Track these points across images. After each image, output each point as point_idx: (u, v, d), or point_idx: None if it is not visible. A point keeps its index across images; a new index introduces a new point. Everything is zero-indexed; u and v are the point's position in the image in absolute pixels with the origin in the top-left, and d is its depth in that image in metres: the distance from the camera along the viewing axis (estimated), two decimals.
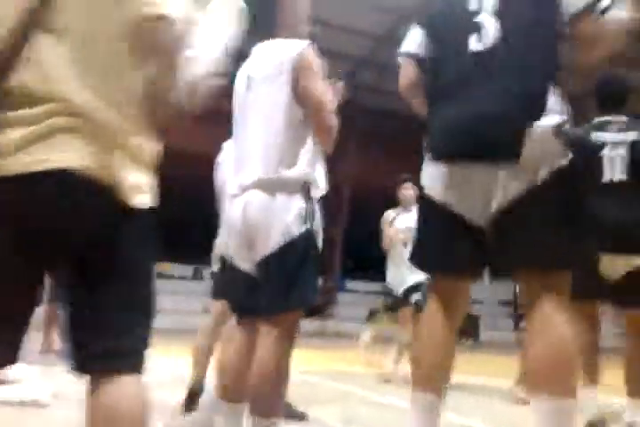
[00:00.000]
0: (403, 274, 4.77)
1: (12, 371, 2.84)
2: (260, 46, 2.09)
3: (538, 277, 1.59)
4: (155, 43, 1.16)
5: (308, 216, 1.91)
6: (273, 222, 1.89)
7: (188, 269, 14.30)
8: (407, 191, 4.92)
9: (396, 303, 4.89)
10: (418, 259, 1.87)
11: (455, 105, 1.66)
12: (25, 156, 1.01)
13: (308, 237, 1.91)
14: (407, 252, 4.99)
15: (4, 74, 1.02)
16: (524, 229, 1.59)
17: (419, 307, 4.82)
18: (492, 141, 1.58)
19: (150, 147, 1.19)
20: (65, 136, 1.04)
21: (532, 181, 1.57)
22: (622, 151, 2.75)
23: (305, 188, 1.94)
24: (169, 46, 1.18)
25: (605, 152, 2.76)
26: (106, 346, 1.11)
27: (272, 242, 1.88)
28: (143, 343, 1.16)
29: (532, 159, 1.56)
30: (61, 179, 1.02)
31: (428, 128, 1.77)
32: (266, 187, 1.92)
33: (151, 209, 1.17)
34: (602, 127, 2.82)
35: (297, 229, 1.88)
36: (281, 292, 1.87)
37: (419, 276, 4.80)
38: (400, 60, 1.93)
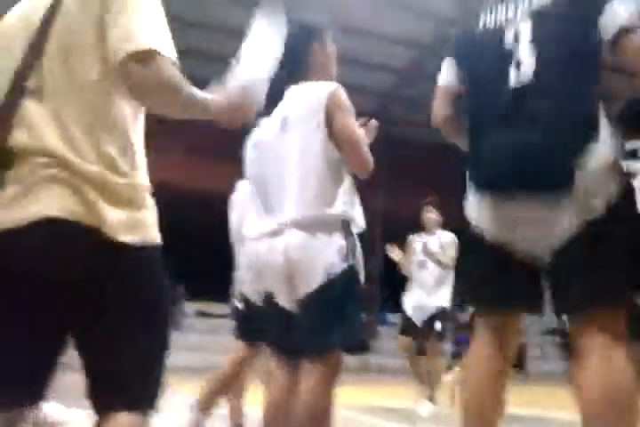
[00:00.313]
0: (420, 298, 4.86)
1: (60, 412, 2.86)
2: (292, 89, 2.14)
3: (597, 317, 1.53)
4: (145, 80, 1.14)
5: (349, 253, 1.93)
6: (315, 261, 1.91)
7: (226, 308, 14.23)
8: (430, 215, 4.99)
9: (415, 331, 4.89)
10: (467, 295, 1.83)
11: (498, 137, 1.62)
12: (17, 209, 1.07)
13: (351, 273, 1.93)
14: (425, 275, 4.94)
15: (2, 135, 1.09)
16: (586, 268, 1.53)
17: (440, 335, 4.80)
18: (542, 171, 1.54)
19: (138, 185, 1.21)
20: (52, 186, 1.09)
21: (587, 215, 1.51)
22: None
23: (344, 225, 1.97)
24: (163, 82, 1.15)
25: (636, 183, 2.69)
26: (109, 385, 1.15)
27: (315, 280, 1.90)
28: (146, 383, 1.19)
29: (583, 192, 1.51)
30: (51, 228, 1.07)
31: (470, 160, 1.73)
32: (306, 226, 1.94)
33: (151, 245, 1.19)
34: (635, 154, 2.76)
35: (339, 267, 1.91)
36: (325, 330, 1.88)
37: (438, 300, 4.80)
38: (437, 92, 1.92)
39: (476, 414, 1.64)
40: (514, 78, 1.62)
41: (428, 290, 4.92)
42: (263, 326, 2.22)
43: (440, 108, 1.91)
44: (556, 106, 1.56)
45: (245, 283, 2.86)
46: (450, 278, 4.70)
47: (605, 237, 1.52)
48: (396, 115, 12.01)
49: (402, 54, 10.65)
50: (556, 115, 1.55)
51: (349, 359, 2.30)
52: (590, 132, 1.53)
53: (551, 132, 1.53)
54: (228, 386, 2.94)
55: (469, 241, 1.78)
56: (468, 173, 1.74)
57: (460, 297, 1.88)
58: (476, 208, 1.69)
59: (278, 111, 2.13)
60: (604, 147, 1.54)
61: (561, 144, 1.52)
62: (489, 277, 1.68)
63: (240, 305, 2.97)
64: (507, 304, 1.68)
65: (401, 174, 12.81)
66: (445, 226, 5.02)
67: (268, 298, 2.07)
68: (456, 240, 4.73)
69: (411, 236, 5.12)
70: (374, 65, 10.86)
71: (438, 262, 4.86)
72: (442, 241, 4.95)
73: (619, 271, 1.53)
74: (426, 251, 4.92)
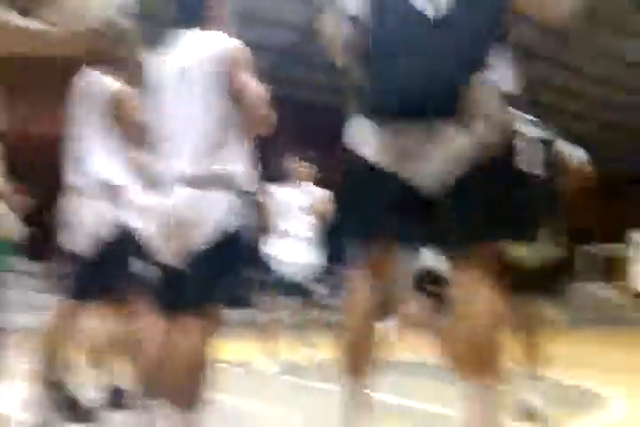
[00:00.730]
0: (290, 253, 4.77)
1: None
2: (188, 35, 2.05)
3: (477, 252, 1.53)
4: None
5: (240, 211, 1.93)
6: (205, 218, 1.89)
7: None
8: (300, 168, 4.98)
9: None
10: (351, 223, 1.70)
11: (397, 64, 1.57)
12: None
13: (241, 232, 1.93)
14: (291, 226, 4.68)
15: None
16: (476, 200, 1.52)
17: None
18: (437, 97, 1.51)
19: None
20: None
21: (480, 143, 1.50)
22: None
23: (237, 183, 1.95)
24: None
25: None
26: None
27: (204, 237, 1.89)
28: None
29: (475, 119, 1.50)
30: None
31: (365, 85, 1.65)
32: (197, 182, 1.92)
33: None
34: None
35: (230, 225, 1.90)
36: (209, 285, 1.89)
37: (309, 256, 4.81)
38: (332, 16, 1.81)
39: (354, 355, 1.65)
40: (420, 9, 1.58)
41: (297, 244, 4.88)
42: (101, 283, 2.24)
43: (335, 31, 1.79)
44: (455, 40, 1.55)
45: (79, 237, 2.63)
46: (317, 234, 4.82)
47: (494, 173, 1.52)
48: (294, 73, 11.91)
49: (300, 11, 10.49)
50: (450, 47, 1.55)
51: (233, 314, 2.31)
52: (479, 62, 1.53)
53: (442, 62, 1.52)
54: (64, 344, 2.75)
55: (353, 170, 1.70)
56: (357, 100, 1.68)
57: (342, 229, 1.76)
58: (365, 137, 1.63)
59: (174, 58, 2.04)
60: (495, 74, 1.53)
61: (449, 72, 1.52)
62: (375, 206, 1.61)
63: (74, 261, 2.77)
64: (390, 232, 1.61)
65: (298, 133, 12.81)
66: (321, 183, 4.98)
67: (144, 252, 2.03)
68: (327, 194, 4.75)
69: (268, 185, 4.91)
70: (273, 22, 10.65)
71: (306, 215, 4.85)
72: (312, 194, 4.95)
73: (509, 207, 1.54)
74: (295, 203, 4.88)
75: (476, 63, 1.53)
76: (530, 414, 2.77)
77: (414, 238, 1.69)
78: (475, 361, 1.46)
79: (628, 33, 11.57)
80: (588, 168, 3.18)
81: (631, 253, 7.60)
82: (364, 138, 1.62)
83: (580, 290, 13.75)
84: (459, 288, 1.54)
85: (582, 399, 3.65)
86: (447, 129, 1.51)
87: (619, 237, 14.99)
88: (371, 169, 1.59)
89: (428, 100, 1.51)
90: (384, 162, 1.57)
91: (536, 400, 2.85)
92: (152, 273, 2.03)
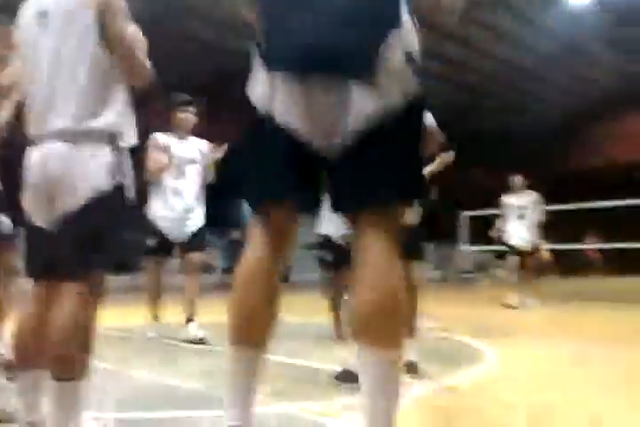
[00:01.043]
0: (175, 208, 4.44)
1: None
2: None
3: (377, 214, 1.47)
4: None
5: (117, 169, 1.81)
6: (78, 176, 1.76)
7: None
8: (189, 116, 4.57)
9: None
10: (244, 185, 1.60)
11: (300, 16, 1.48)
12: None
13: (118, 191, 1.81)
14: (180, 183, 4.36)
15: None
16: (375, 161, 1.45)
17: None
18: (345, 54, 1.43)
19: None
20: None
21: (386, 104, 1.44)
22: None
23: (113, 139, 1.82)
24: None
25: None
26: None
27: (78, 197, 1.76)
28: None
29: (386, 81, 1.44)
30: None
31: (265, 35, 1.57)
32: (68, 138, 1.78)
33: None
34: None
35: (106, 184, 1.78)
36: (87, 250, 1.76)
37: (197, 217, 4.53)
38: None
39: (246, 317, 1.56)
40: None
41: (185, 201, 4.52)
42: None
43: None
44: None
45: None
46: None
47: (396, 135, 1.47)
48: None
49: None
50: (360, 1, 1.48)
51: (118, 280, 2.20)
52: (392, 21, 1.46)
53: (353, 16, 1.45)
54: None
55: (253, 128, 1.59)
56: (259, 51, 1.58)
57: (237, 190, 1.65)
58: (267, 92, 1.53)
59: (35, 1, 1.87)
60: (404, 35, 1.47)
61: (363, 29, 1.44)
62: (270, 167, 1.53)
63: None
64: (284, 197, 1.53)
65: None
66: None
67: (21, 217, 1.88)
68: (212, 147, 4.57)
69: (156, 134, 4.54)
70: None
71: (195, 170, 4.55)
72: (199, 147, 4.63)
73: (407, 169, 1.50)
74: (184, 157, 4.53)
75: (392, 19, 1.46)
76: (409, 368, 2.89)
77: (314, 202, 1.59)
78: (379, 326, 1.40)
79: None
80: (439, 132, 3.25)
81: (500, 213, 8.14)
82: (267, 95, 1.52)
83: (463, 251, 14.65)
84: (360, 252, 1.47)
85: (458, 353, 3.88)
86: (353, 88, 1.43)
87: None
88: (273, 128, 1.51)
89: (336, 58, 1.44)
90: (285, 120, 1.49)
91: (413, 355, 2.99)
92: (26, 236, 1.88)
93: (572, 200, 11.82)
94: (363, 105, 1.43)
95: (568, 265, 16.91)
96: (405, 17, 1.49)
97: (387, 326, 1.40)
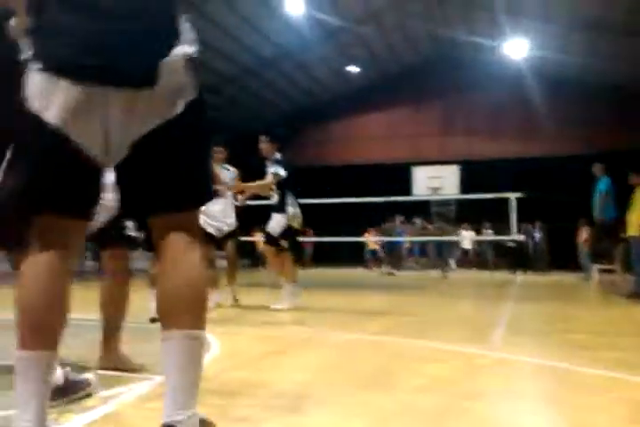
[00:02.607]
0: None
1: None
2: None
3: (171, 217, 1.51)
4: None
5: None
6: None
7: None
8: None
9: None
10: (26, 195, 1.50)
11: (76, 15, 1.40)
12: None
13: None
14: None
15: None
16: (158, 169, 1.47)
17: None
18: (127, 67, 1.39)
19: None
20: None
21: (167, 114, 1.44)
22: None
23: None
24: None
25: None
26: None
27: None
28: None
29: (166, 91, 1.43)
30: None
31: (37, 30, 1.43)
32: None
33: None
34: None
35: None
36: None
37: None
38: None
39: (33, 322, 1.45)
40: None
41: None
42: None
43: None
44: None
45: None
46: None
47: (180, 136, 1.48)
48: None
49: None
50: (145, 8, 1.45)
51: None
52: (174, 30, 1.47)
53: (140, 25, 1.42)
54: None
55: (28, 133, 1.45)
56: (31, 46, 1.44)
57: (19, 199, 1.52)
58: (39, 91, 1.41)
59: None
60: (185, 43, 1.48)
61: (149, 39, 1.42)
62: (48, 177, 1.45)
63: None
64: (69, 208, 1.49)
65: None
66: None
67: None
68: None
69: None
70: None
71: None
72: None
73: (192, 169, 1.52)
74: None
75: (171, 30, 1.47)
76: None
77: (89, 208, 1.54)
78: (187, 314, 1.47)
79: None
80: None
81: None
82: (42, 95, 1.40)
83: None
84: (161, 250, 1.51)
85: None
86: (130, 96, 1.40)
87: None
88: (48, 134, 1.40)
89: (112, 66, 1.38)
90: (59, 125, 1.39)
91: None
92: None
93: None
94: (142, 113, 1.42)
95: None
96: (183, 25, 1.50)
97: (194, 314, 1.47)
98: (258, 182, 6.03)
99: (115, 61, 1.39)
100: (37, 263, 1.47)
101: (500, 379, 2.78)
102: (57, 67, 1.39)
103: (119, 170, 1.48)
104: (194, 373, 1.45)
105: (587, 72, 17.79)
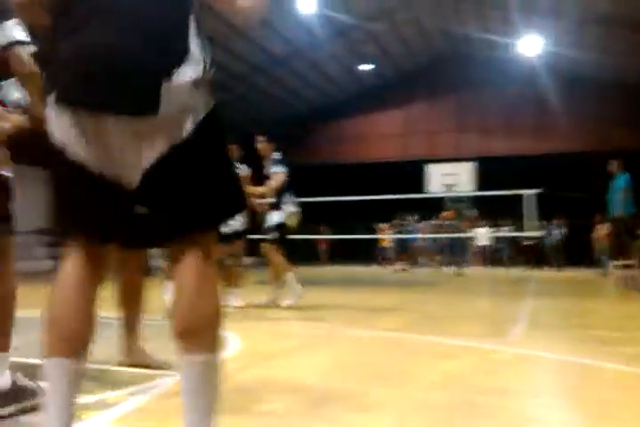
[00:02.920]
0: None
1: None
2: None
3: (187, 240, 1.48)
4: None
5: None
6: None
7: None
8: None
9: None
10: (64, 223, 1.55)
11: (84, 36, 1.38)
12: None
13: None
14: None
15: None
16: (173, 192, 1.44)
17: None
18: (128, 92, 1.36)
19: None
20: None
21: (174, 137, 1.40)
22: None
23: None
24: None
25: None
26: None
27: None
28: None
29: (173, 114, 1.39)
30: None
31: (53, 60, 1.43)
32: None
33: None
34: None
35: None
36: None
37: None
38: None
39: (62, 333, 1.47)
40: None
41: None
42: None
43: None
44: (146, 6, 1.41)
45: None
46: None
47: (192, 158, 1.44)
48: None
49: None
50: (147, 18, 1.40)
51: None
52: (182, 47, 1.41)
53: (138, 41, 1.37)
54: None
55: (59, 167, 1.48)
56: (45, 77, 1.46)
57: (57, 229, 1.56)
58: (58, 124, 1.42)
59: None
60: (192, 66, 1.42)
61: (151, 59, 1.37)
62: (81, 204, 1.48)
63: None
64: (98, 234, 1.52)
65: None
66: None
67: None
68: None
69: None
70: None
71: None
72: None
73: (210, 193, 1.49)
74: None
75: (179, 52, 1.40)
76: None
77: (130, 239, 1.59)
78: (202, 340, 1.45)
79: None
80: None
81: None
82: (63, 129, 1.41)
83: None
84: (179, 281, 1.47)
85: None
86: (138, 122, 1.37)
87: None
88: (74, 167, 1.42)
89: (114, 94, 1.36)
90: (84, 158, 1.40)
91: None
92: None
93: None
94: (153, 142, 1.39)
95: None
96: (194, 43, 1.44)
97: (209, 339, 1.45)
98: (270, 185, 5.98)
99: (113, 90, 1.36)
100: (68, 276, 1.49)
101: (518, 374, 2.78)
102: (63, 98, 1.40)
103: (139, 195, 1.45)
104: (209, 396, 1.43)
105: (601, 69, 17.63)
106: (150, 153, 1.39)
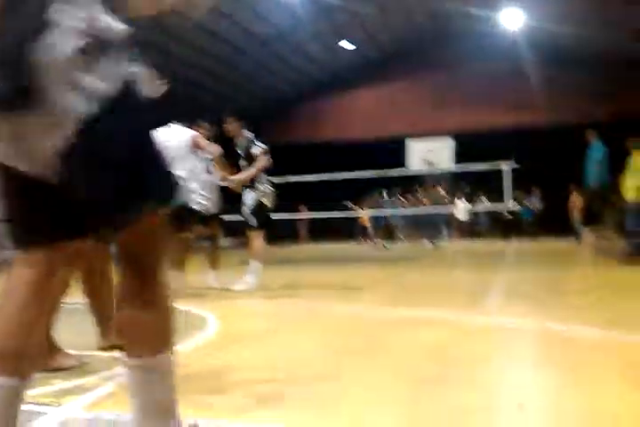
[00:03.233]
0: None
1: None
2: None
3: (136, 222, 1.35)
4: None
5: None
6: None
7: None
8: None
9: None
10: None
11: None
12: None
13: None
14: None
15: None
16: (89, 178, 1.29)
17: None
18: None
19: None
20: None
21: (73, 121, 1.23)
22: None
23: None
24: None
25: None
26: None
27: None
28: None
29: (57, 94, 1.22)
30: None
31: None
32: None
33: None
34: None
35: None
36: None
37: None
38: None
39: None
40: None
41: None
42: None
43: None
44: None
45: None
46: None
47: (101, 142, 1.27)
48: None
49: None
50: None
51: None
52: (43, 18, 1.20)
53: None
54: None
55: None
56: None
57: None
58: None
59: None
60: (63, 33, 1.21)
61: (11, 37, 1.20)
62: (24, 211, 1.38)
63: None
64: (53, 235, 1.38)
65: None
66: None
67: None
68: None
69: None
70: None
71: None
72: None
73: (129, 174, 1.31)
74: None
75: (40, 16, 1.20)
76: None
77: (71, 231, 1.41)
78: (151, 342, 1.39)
79: None
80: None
81: None
82: None
83: None
84: (120, 268, 1.39)
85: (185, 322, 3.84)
86: (29, 112, 1.22)
87: None
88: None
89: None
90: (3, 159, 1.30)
91: None
92: None
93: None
94: (50, 126, 1.24)
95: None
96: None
97: (159, 340, 1.39)
98: (257, 167, 5.83)
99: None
100: (15, 288, 1.35)
101: (495, 343, 2.82)
102: None
103: (66, 187, 1.32)
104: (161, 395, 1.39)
105: (582, 42, 17.62)
106: (53, 142, 1.25)
